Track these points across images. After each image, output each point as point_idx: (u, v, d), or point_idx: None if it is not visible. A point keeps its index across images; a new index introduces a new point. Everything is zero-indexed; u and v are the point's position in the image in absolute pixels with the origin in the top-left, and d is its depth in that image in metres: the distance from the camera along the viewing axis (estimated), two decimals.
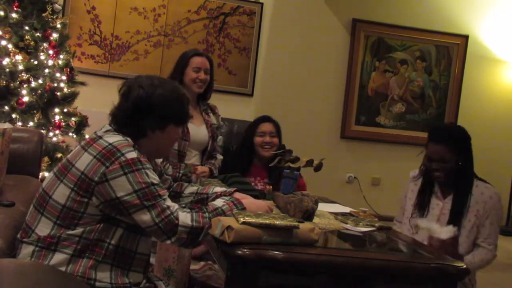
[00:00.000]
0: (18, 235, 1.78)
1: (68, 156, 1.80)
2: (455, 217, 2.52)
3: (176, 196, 2.11)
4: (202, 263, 3.09)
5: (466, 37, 5.47)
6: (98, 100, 4.19)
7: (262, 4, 5.09)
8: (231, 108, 4.90)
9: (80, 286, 1.62)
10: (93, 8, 4.78)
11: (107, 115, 1.85)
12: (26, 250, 1.70)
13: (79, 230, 1.68)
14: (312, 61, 5.24)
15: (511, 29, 5.54)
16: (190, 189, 2.14)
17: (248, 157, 3.09)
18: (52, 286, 1.57)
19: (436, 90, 5.49)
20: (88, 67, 4.70)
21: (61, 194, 1.71)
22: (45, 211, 1.72)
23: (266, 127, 3.14)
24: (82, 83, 3.95)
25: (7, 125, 2.53)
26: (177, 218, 1.69)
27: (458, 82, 5.49)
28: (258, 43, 5.10)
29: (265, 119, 3.20)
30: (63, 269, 1.65)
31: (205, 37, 5.00)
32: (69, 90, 3.83)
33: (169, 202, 1.72)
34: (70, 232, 1.68)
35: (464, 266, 1.75)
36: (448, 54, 5.48)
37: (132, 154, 1.69)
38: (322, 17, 5.25)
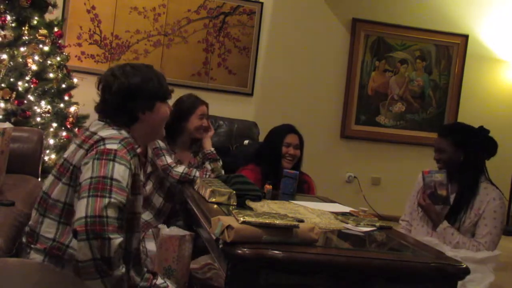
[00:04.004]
0: (24, 240, 1.78)
1: (65, 155, 1.80)
2: (454, 210, 2.55)
3: None
4: (202, 262, 3.09)
5: (466, 37, 5.47)
6: (98, 99, 4.18)
7: (262, 3, 5.09)
8: (231, 108, 4.91)
9: (81, 286, 1.62)
10: (93, 7, 4.78)
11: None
12: (36, 256, 1.72)
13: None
14: (312, 60, 5.24)
15: (511, 29, 5.54)
16: None
17: (278, 167, 3.01)
18: (52, 286, 1.57)
19: (436, 89, 5.49)
20: (88, 67, 4.69)
21: (60, 192, 1.72)
22: (47, 212, 1.73)
23: (293, 138, 3.13)
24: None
25: (7, 125, 2.53)
26: (108, 230, 1.51)
27: (458, 81, 5.49)
28: (258, 43, 5.10)
29: (292, 130, 3.17)
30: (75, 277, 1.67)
31: (205, 36, 5.00)
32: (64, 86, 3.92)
33: (112, 210, 1.55)
34: (73, 246, 1.66)
35: (464, 266, 1.75)
36: (448, 53, 5.48)
37: (112, 146, 1.68)
38: (322, 16, 5.25)
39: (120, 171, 1.63)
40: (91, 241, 1.50)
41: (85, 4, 4.76)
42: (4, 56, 3.48)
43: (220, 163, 3.12)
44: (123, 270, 1.59)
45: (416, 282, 1.73)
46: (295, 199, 2.73)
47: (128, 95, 1.83)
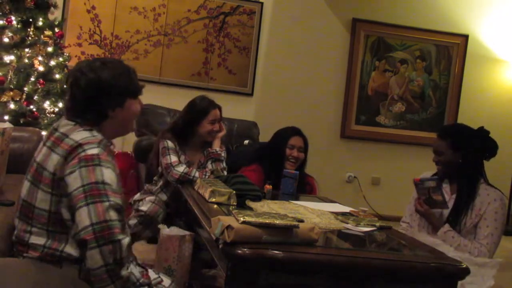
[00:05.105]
0: (15, 249, 1.74)
1: (37, 159, 1.74)
2: (454, 213, 2.55)
3: None
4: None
5: (466, 37, 5.47)
6: None
7: (262, 3, 5.09)
8: (231, 108, 4.90)
9: (81, 285, 1.62)
10: (93, 7, 4.78)
11: None
12: None
13: (74, 250, 1.64)
14: (312, 60, 5.24)
15: (511, 29, 5.54)
16: None
17: (280, 169, 2.98)
18: (52, 286, 1.57)
19: (436, 89, 5.49)
20: None
21: (43, 201, 1.66)
22: (34, 221, 1.68)
23: (297, 141, 3.13)
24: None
25: (7, 125, 2.53)
26: (116, 233, 1.53)
27: (458, 81, 5.49)
28: (258, 43, 5.10)
29: (297, 132, 3.17)
30: (75, 276, 1.64)
31: (205, 36, 5.00)
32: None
33: (114, 213, 1.56)
34: (69, 246, 1.65)
35: (465, 266, 1.75)
36: (448, 53, 5.48)
37: (93, 150, 1.64)
38: (322, 16, 5.25)
39: (109, 174, 1.62)
40: (102, 248, 1.51)
41: (85, 4, 4.76)
42: (12, 57, 3.51)
43: (223, 165, 3.11)
44: (129, 269, 1.60)
45: (416, 282, 1.73)
46: (297, 199, 2.73)
47: (98, 91, 1.75)
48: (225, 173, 3.11)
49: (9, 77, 3.48)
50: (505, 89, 5.60)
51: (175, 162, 2.95)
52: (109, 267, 1.52)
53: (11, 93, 3.47)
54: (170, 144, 3.03)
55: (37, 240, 1.67)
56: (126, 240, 1.55)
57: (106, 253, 1.51)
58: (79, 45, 4.76)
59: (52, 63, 3.80)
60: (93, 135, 1.71)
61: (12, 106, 3.47)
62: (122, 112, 1.80)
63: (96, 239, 1.51)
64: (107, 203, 1.56)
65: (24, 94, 3.52)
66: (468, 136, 2.62)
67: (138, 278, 1.67)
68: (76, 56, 4.66)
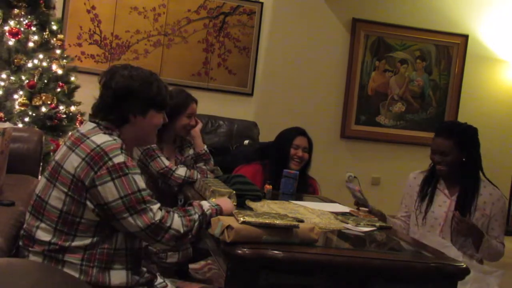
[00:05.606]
0: (21, 243, 1.77)
1: (56, 157, 1.78)
2: (461, 214, 2.54)
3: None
4: (202, 262, 3.10)
5: (466, 37, 5.47)
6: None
7: (262, 3, 5.08)
8: (231, 108, 4.91)
9: (81, 286, 1.62)
10: (93, 7, 4.78)
11: None
12: (35, 259, 1.71)
13: (82, 242, 1.68)
14: (312, 60, 5.24)
15: (511, 29, 5.54)
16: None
17: (284, 169, 2.97)
18: (52, 286, 1.57)
19: (436, 89, 5.49)
20: (88, 67, 4.69)
21: (57, 198, 1.70)
22: (44, 217, 1.71)
23: (302, 141, 3.13)
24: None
25: (7, 125, 2.53)
26: (164, 223, 1.71)
27: (458, 81, 5.48)
28: (258, 43, 5.10)
29: (301, 132, 3.17)
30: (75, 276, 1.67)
31: (205, 36, 5.00)
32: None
33: (155, 207, 1.71)
34: (74, 244, 1.68)
35: (464, 266, 1.75)
36: (448, 53, 5.47)
37: (119, 158, 1.69)
38: (322, 16, 5.24)
39: (138, 180, 1.71)
40: (162, 240, 1.72)
41: (85, 4, 4.76)
42: (36, 61, 3.57)
43: (213, 161, 3.11)
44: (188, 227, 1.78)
45: (416, 282, 1.74)
46: (299, 198, 2.73)
47: (125, 95, 1.81)
48: (219, 170, 3.12)
49: (35, 81, 3.51)
50: (505, 89, 5.59)
51: (172, 166, 2.87)
52: (178, 242, 1.76)
53: (43, 97, 3.51)
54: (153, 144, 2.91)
55: (43, 236, 1.70)
56: (175, 217, 1.73)
57: (168, 241, 1.73)
58: (79, 45, 4.75)
59: (60, 64, 3.86)
60: (113, 138, 1.75)
61: (43, 109, 3.53)
62: (143, 120, 1.85)
63: (154, 238, 1.71)
64: (148, 209, 1.69)
65: (55, 98, 3.58)
66: (471, 132, 2.62)
67: (135, 280, 1.74)
68: (76, 56, 4.66)
